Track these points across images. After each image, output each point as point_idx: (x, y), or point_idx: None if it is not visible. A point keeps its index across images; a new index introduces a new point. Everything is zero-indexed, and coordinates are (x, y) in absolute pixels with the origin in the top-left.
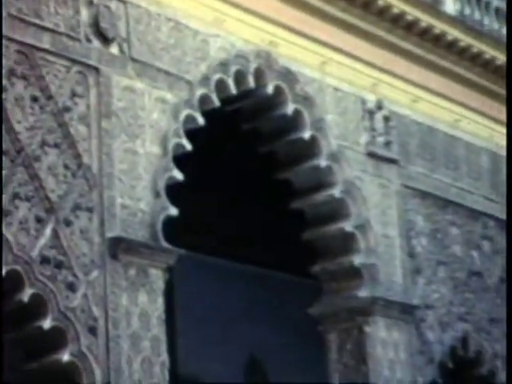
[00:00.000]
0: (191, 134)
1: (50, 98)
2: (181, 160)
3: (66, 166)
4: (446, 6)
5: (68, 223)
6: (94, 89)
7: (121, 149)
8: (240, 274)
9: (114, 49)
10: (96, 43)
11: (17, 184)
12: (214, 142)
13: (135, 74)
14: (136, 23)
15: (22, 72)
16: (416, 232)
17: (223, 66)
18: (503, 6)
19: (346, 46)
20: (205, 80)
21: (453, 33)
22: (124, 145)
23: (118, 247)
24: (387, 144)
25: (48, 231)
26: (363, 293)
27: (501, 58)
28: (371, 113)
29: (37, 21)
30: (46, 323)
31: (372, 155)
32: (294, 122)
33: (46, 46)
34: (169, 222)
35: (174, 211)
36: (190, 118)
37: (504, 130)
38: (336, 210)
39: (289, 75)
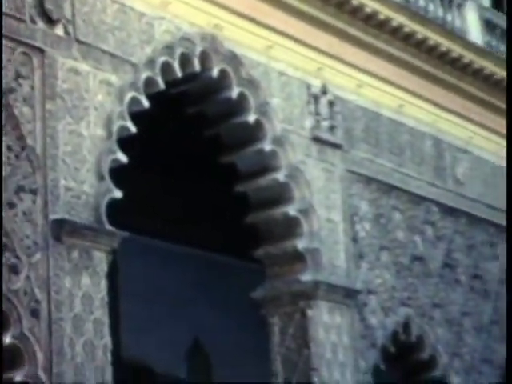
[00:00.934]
0: (136, 117)
1: None
2: (125, 142)
3: (9, 148)
4: None
5: (11, 205)
6: (38, 70)
7: (65, 131)
8: (184, 257)
9: (58, 30)
10: (41, 24)
11: None
12: (159, 124)
13: (80, 56)
14: (81, 5)
15: None
16: (359, 217)
17: (168, 48)
18: None
19: (291, 30)
20: (150, 63)
21: (398, 19)
22: (68, 127)
23: (62, 229)
24: (332, 129)
25: None
26: (306, 277)
27: (445, 43)
28: (316, 97)
29: None
30: None
31: (316, 140)
32: (239, 105)
33: None
34: (113, 205)
35: (118, 194)
36: (134, 101)
37: (448, 116)
38: (280, 194)
39: (234, 59)
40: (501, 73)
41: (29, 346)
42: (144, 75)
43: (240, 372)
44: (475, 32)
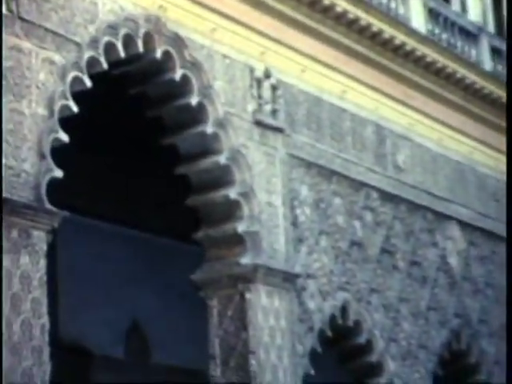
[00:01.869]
0: (78, 97)
1: None
2: (67, 122)
3: None
4: None
5: None
6: None
7: (6, 109)
8: (124, 238)
9: (1, 7)
10: None
11: None
12: (101, 105)
13: (23, 34)
14: None
15: None
16: (300, 201)
17: (112, 28)
18: None
19: (235, 13)
20: (93, 42)
21: (342, 5)
22: (10, 105)
23: (1, 208)
24: (274, 113)
25: None
26: (245, 260)
27: (388, 30)
28: (259, 81)
29: None
30: None
31: (258, 123)
32: (182, 87)
33: None
34: (54, 185)
35: (59, 173)
36: (77, 80)
37: (389, 103)
38: (221, 177)
39: (178, 41)
40: (443, 61)
41: None
42: (87, 55)
43: (178, 354)
44: (418, 20)
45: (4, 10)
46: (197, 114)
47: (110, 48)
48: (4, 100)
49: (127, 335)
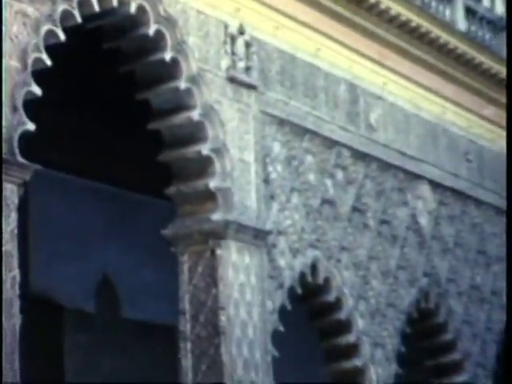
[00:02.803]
0: (52, 50)
1: None
2: (40, 75)
3: None
4: None
5: None
6: None
7: None
8: (96, 193)
9: None
10: None
11: None
12: (75, 58)
13: None
14: None
15: None
16: (272, 158)
17: None
18: None
19: None
20: None
21: None
22: None
23: None
24: (247, 69)
25: None
26: (217, 216)
27: None
28: (233, 38)
29: None
30: None
31: (232, 80)
32: (156, 42)
33: None
34: (26, 138)
35: (31, 126)
36: (50, 34)
37: (363, 62)
38: (193, 133)
39: None
40: (417, 20)
41: None
42: (61, 8)
43: (148, 309)
44: None
45: None
46: (170, 70)
47: (84, 1)
48: None
49: (98, 289)
